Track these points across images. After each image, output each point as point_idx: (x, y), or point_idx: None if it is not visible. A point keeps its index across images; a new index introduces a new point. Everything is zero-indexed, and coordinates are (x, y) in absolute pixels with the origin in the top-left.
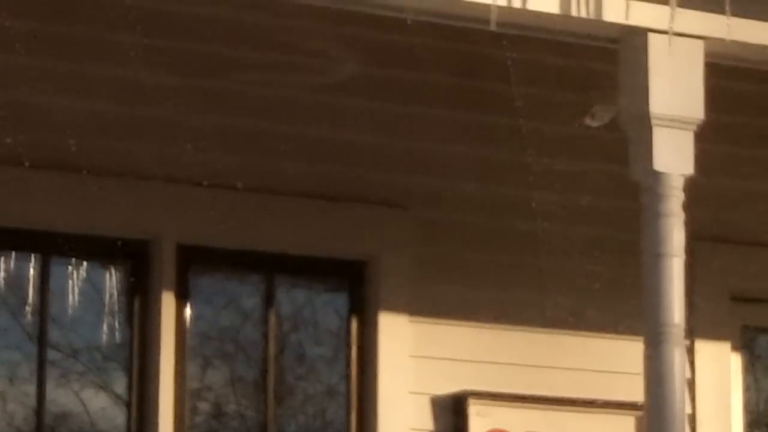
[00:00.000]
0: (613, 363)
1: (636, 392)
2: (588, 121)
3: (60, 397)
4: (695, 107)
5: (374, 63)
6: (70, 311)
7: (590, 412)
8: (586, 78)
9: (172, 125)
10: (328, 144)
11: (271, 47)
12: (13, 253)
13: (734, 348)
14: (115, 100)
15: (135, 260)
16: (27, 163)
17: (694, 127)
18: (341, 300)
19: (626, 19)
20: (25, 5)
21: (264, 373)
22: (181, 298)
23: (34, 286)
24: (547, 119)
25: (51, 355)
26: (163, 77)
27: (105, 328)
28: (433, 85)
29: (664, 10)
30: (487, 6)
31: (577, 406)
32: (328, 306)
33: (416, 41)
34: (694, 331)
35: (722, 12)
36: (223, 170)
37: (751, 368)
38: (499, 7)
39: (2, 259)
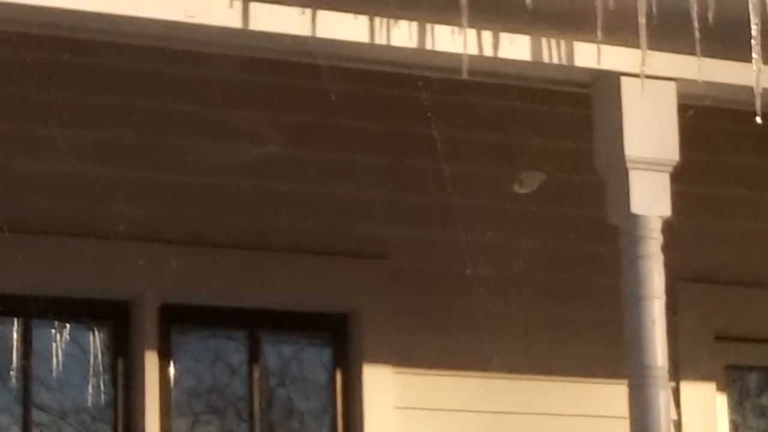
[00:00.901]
0: (598, 407)
1: None
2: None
3: None
4: (670, 149)
5: (348, 115)
6: (54, 373)
7: None
8: (562, 123)
9: (150, 185)
10: (305, 198)
11: (243, 105)
12: None
13: (720, 388)
14: (92, 161)
15: (118, 321)
16: (6, 228)
17: (670, 169)
18: (326, 353)
19: (598, 64)
20: None
21: (251, 427)
22: (165, 356)
23: (18, 350)
24: (522, 166)
25: (37, 416)
26: (139, 137)
27: (90, 389)
28: (408, 136)
29: (636, 53)
30: (459, 55)
31: None
32: (313, 359)
33: (384, 92)
34: (678, 372)
35: (693, 53)
36: (202, 228)
37: (737, 407)
38: (471, 56)
39: None
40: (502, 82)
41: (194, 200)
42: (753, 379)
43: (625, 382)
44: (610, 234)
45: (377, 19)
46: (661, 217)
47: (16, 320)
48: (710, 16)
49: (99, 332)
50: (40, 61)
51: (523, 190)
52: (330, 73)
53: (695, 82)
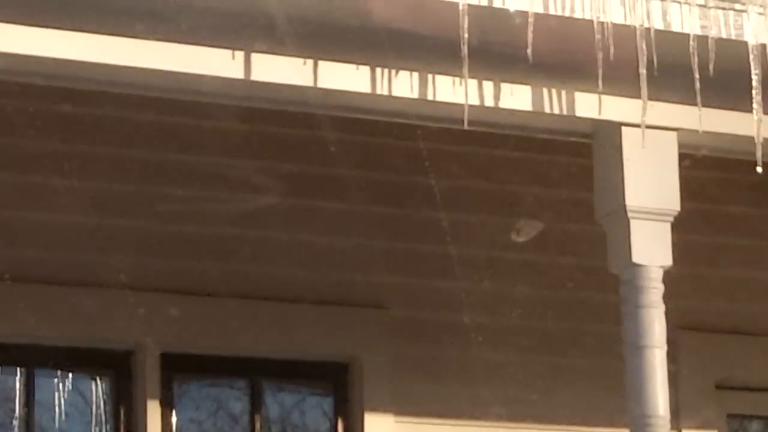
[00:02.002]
0: None
1: None
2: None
3: None
4: (671, 198)
5: (347, 165)
6: (57, 423)
7: None
8: (562, 173)
9: (150, 235)
10: (304, 248)
11: (242, 155)
12: None
13: None
14: (92, 211)
15: (119, 370)
16: (7, 277)
17: (671, 218)
18: (327, 402)
19: (599, 114)
20: None
21: None
22: (167, 405)
23: (20, 399)
24: (520, 215)
25: None
26: (139, 187)
27: None
28: (405, 185)
29: (637, 103)
30: (460, 106)
31: None
32: (315, 408)
33: (382, 142)
34: (679, 421)
35: (694, 103)
36: (203, 277)
37: None
38: (472, 106)
39: None
40: (503, 132)
41: (194, 250)
42: (754, 428)
43: (625, 431)
44: (609, 283)
45: (378, 70)
46: (662, 266)
47: (18, 369)
48: (711, 66)
49: (101, 381)
50: (39, 111)
51: (521, 239)
52: (328, 123)
53: (696, 132)
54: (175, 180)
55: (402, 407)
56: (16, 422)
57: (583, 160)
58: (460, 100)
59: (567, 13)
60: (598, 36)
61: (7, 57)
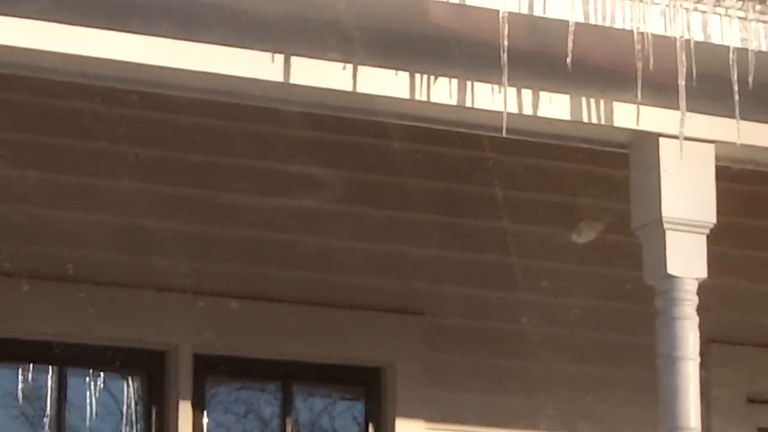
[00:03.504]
0: None
1: None
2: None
3: None
4: (707, 211)
5: (393, 170)
6: (88, 422)
7: None
8: (600, 182)
9: (188, 237)
10: (342, 253)
11: (259, 155)
12: (31, 365)
13: None
14: (132, 212)
15: (152, 370)
16: (45, 276)
17: (707, 231)
18: (358, 407)
19: (637, 125)
20: (26, 118)
21: None
22: (198, 407)
23: (51, 398)
24: (560, 224)
25: None
26: (179, 189)
27: None
28: (443, 193)
29: (675, 114)
30: (498, 113)
31: None
32: (345, 413)
33: (424, 148)
34: None
35: (732, 116)
36: (237, 281)
37: None
38: (510, 114)
39: (20, 371)
40: (541, 140)
41: (230, 253)
42: None
43: None
44: (646, 294)
45: (417, 76)
46: (697, 278)
47: (50, 368)
48: (750, 79)
49: (133, 381)
50: (87, 111)
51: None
52: (384, 130)
53: (734, 144)
54: (209, 182)
55: (434, 414)
56: (47, 420)
57: (620, 170)
58: (499, 107)
59: (607, 23)
60: (637, 46)
61: (52, 56)
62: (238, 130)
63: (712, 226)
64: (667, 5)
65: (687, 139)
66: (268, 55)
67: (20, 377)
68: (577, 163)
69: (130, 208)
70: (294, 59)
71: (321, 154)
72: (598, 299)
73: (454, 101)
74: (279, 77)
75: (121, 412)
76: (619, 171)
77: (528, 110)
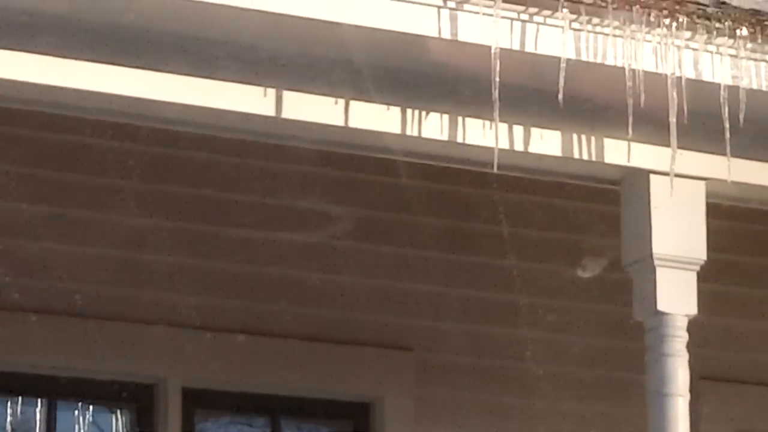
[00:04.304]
0: None
1: None
2: (579, 273)
3: None
4: (698, 247)
5: (371, 206)
6: None
7: None
8: (586, 218)
9: (175, 270)
10: (330, 287)
11: (267, 192)
12: (20, 398)
13: None
14: (117, 246)
15: (141, 404)
16: (32, 310)
17: (697, 268)
18: None
19: (628, 161)
20: (35, 153)
21: None
22: None
23: (41, 431)
24: (547, 260)
25: None
26: (163, 222)
27: None
28: (432, 228)
29: (666, 151)
30: (490, 149)
31: None
32: None
33: (410, 183)
34: None
35: (723, 154)
36: (226, 314)
37: None
38: (502, 150)
39: (9, 404)
40: (532, 176)
41: (219, 286)
42: None
43: None
44: (635, 331)
45: (409, 111)
46: (687, 315)
47: (39, 401)
48: (741, 117)
49: (122, 414)
50: (94, 145)
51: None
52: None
53: (725, 182)
54: (196, 216)
55: None
56: None
57: (610, 207)
58: (490, 143)
59: (599, 60)
60: (629, 83)
61: (62, 91)
62: (245, 166)
63: (702, 263)
64: (659, 42)
65: (678, 176)
66: (260, 89)
67: (9, 410)
68: (581, 200)
69: (117, 242)
70: (286, 94)
71: (326, 191)
72: (600, 336)
73: (445, 137)
74: (271, 112)
75: None
76: (618, 208)
77: (519, 146)
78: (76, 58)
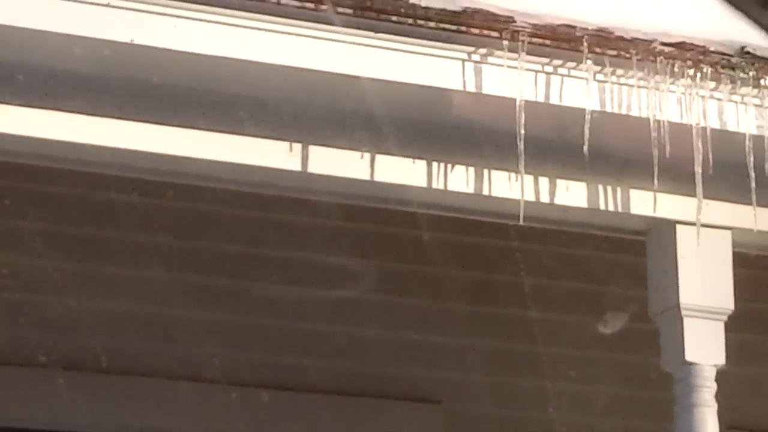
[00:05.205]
0: None
1: None
2: (602, 329)
3: None
4: (725, 297)
5: (396, 259)
6: None
7: None
8: (611, 269)
9: (200, 326)
10: (356, 341)
11: (293, 247)
12: None
13: None
14: (142, 302)
15: None
16: (59, 367)
17: (725, 317)
18: None
19: (654, 212)
20: (62, 211)
21: None
22: None
23: None
24: (572, 311)
25: None
26: (189, 278)
27: None
28: (457, 280)
29: (692, 201)
30: (516, 201)
31: None
32: None
33: (435, 236)
34: None
35: (749, 203)
36: (252, 369)
37: None
38: (527, 202)
39: None
40: (558, 228)
41: (245, 342)
42: None
43: None
44: (662, 381)
45: (435, 164)
46: (715, 365)
47: None
48: (766, 166)
49: None
50: (117, 202)
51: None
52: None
53: (751, 231)
54: (219, 269)
55: None
56: None
57: (636, 257)
58: (516, 195)
59: (624, 111)
60: (654, 134)
61: (90, 149)
62: (270, 221)
63: (730, 312)
64: (683, 93)
65: (704, 225)
66: (285, 144)
67: None
68: (606, 251)
69: (162, 299)
70: (312, 148)
71: (352, 244)
72: (627, 387)
73: (471, 189)
74: (297, 166)
75: None
76: (644, 259)
77: (545, 198)
78: (102, 116)
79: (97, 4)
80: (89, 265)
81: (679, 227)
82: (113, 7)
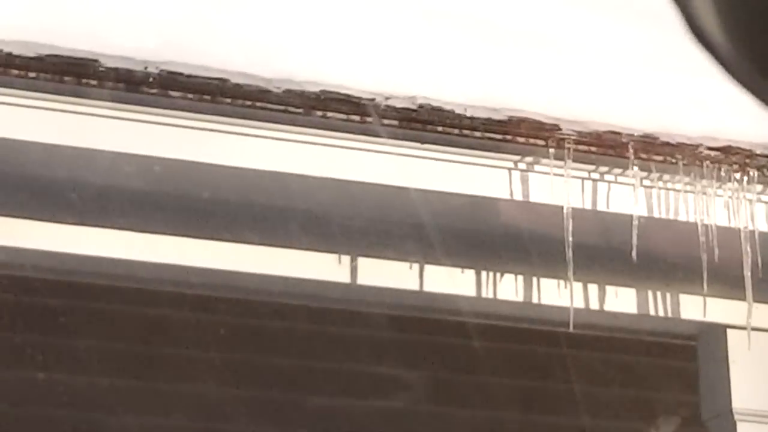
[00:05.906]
0: None
1: None
2: (656, 431)
3: None
4: None
5: (447, 369)
6: None
7: None
8: (661, 375)
9: None
10: None
11: (344, 358)
12: None
13: None
14: (195, 417)
15: None
16: None
17: None
18: None
19: (704, 317)
20: (102, 327)
21: None
22: None
23: None
24: (622, 418)
25: None
26: (242, 392)
27: None
28: (507, 388)
29: (742, 305)
30: (565, 309)
31: None
32: None
33: (485, 345)
34: None
35: None
36: None
37: None
38: (577, 309)
39: None
40: (608, 334)
41: None
42: None
43: None
44: None
45: (484, 273)
46: None
47: None
48: None
49: None
50: (178, 319)
51: None
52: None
53: None
54: (294, 384)
55: None
56: None
57: (685, 363)
58: (565, 303)
59: (671, 216)
60: (702, 238)
61: (142, 265)
62: (321, 333)
63: None
64: (731, 197)
65: (755, 329)
66: (334, 256)
67: None
68: (655, 356)
69: (215, 413)
70: (360, 260)
71: (402, 355)
72: None
73: (520, 297)
74: (346, 279)
75: None
76: (694, 363)
77: (594, 305)
78: (152, 232)
79: (147, 123)
80: (140, 381)
81: (729, 331)
82: (163, 124)
